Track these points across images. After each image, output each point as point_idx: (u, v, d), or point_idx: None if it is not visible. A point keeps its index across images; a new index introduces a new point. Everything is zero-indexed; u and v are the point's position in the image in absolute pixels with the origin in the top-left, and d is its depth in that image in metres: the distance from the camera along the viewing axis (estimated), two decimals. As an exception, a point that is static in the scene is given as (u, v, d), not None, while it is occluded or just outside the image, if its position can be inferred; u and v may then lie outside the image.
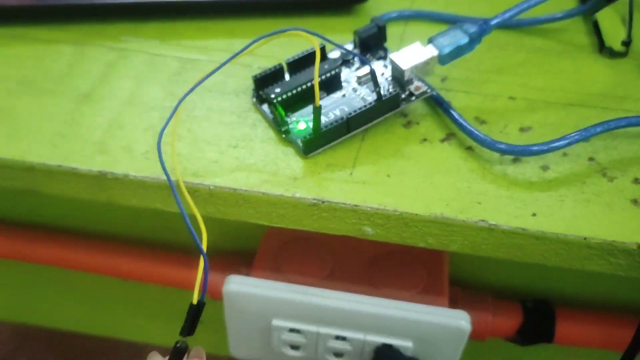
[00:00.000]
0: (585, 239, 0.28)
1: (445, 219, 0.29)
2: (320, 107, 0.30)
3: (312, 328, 0.36)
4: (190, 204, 0.28)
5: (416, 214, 0.29)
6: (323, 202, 0.29)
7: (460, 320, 0.34)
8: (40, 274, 0.45)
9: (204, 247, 0.27)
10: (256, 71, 0.35)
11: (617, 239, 0.28)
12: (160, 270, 0.39)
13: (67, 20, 0.38)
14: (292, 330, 0.36)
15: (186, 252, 0.41)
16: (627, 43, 0.37)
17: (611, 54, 0.37)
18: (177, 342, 0.27)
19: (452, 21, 0.39)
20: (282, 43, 0.34)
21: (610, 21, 0.39)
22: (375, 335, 0.35)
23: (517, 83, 0.36)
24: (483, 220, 0.29)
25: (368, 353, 0.36)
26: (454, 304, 0.37)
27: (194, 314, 0.27)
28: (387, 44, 0.36)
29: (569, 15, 0.39)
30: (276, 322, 0.36)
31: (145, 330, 0.50)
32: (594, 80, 0.36)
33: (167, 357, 0.28)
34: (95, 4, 0.37)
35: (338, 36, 0.38)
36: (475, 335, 0.37)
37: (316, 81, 0.29)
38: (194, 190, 0.30)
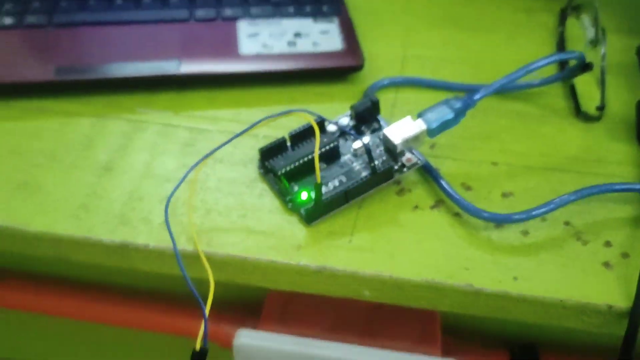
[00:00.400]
0: (561, 301, 0.31)
1: (435, 283, 0.32)
2: (321, 184, 0.33)
3: (316, 377, 0.38)
4: (209, 272, 0.31)
5: (409, 279, 0.32)
6: (325, 269, 0.32)
7: (451, 369, 0.37)
8: (47, 324, 0.48)
9: (208, 308, 0.30)
10: (262, 141, 0.38)
11: (590, 300, 0.31)
12: (169, 321, 0.42)
13: (85, 93, 0.41)
14: (297, 378, 0.39)
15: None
16: (600, 108, 0.41)
17: (586, 118, 0.41)
18: None
19: (439, 87, 0.43)
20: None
21: (587, 85, 0.43)
22: (374, 383, 0.38)
23: (499, 149, 0.39)
24: (470, 285, 0.32)
25: (367, 398, 0.39)
26: (446, 352, 0.40)
27: (198, 358, 0.30)
28: (380, 112, 0.39)
29: (548, 81, 0.42)
30: (282, 372, 0.39)
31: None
32: (570, 145, 0.39)
33: None
34: (111, 78, 0.41)
35: (336, 104, 0.41)
36: (466, 380, 0.40)
37: (317, 162, 0.32)
38: (207, 259, 0.33)
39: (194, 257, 0.33)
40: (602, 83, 0.41)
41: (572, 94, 0.42)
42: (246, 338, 0.38)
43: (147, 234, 0.34)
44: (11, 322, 0.49)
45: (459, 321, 0.41)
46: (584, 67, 0.40)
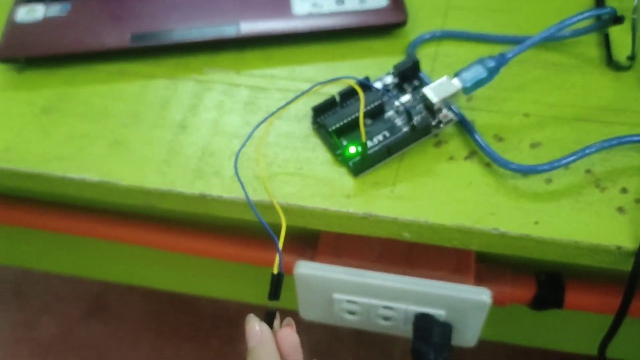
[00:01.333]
0: (576, 242, 0.36)
1: (465, 227, 0.37)
2: (366, 143, 0.38)
3: (365, 300, 0.45)
4: (281, 215, 0.37)
5: (442, 224, 0.37)
6: (371, 215, 0.38)
7: (482, 295, 0.43)
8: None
9: (281, 244, 0.35)
10: (313, 98, 0.43)
11: (601, 242, 0.36)
12: (247, 252, 0.50)
13: (157, 56, 0.47)
14: (349, 301, 0.46)
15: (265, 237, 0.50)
16: (631, 58, 0.43)
17: (617, 67, 0.43)
18: (268, 308, 0.34)
19: (478, 39, 0.46)
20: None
21: (623, 33, 0.44)
22: (416, 305, 0.45)
23: (532, 100, 0.42)
24: (495, 229, 0.37)
25: (410, 318, 0.46)
26: (479, 279, 0.45)
27: (276, 282, 0.34)
28: (422, 66, 0.43)
29: (583, 32, 0.45)
30: (336, 296, 0.46)
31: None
32: (598, 94, 0.42)
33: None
34: (180, 42, 0.46)
35: (382, 58, 0.45)
36: (497, 303, 0.46)
37: (361, 124, 0.37)
38: (271, 207, 0.39)
39: (260, 205, 0.39)
40: (633, 34, 0.43)
41: (606, 42, 0.44)
42: (305, 268, 0.45)
43: (220, 186, 0.40)
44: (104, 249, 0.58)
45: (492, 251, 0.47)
46: (615, 19, 0.42)
